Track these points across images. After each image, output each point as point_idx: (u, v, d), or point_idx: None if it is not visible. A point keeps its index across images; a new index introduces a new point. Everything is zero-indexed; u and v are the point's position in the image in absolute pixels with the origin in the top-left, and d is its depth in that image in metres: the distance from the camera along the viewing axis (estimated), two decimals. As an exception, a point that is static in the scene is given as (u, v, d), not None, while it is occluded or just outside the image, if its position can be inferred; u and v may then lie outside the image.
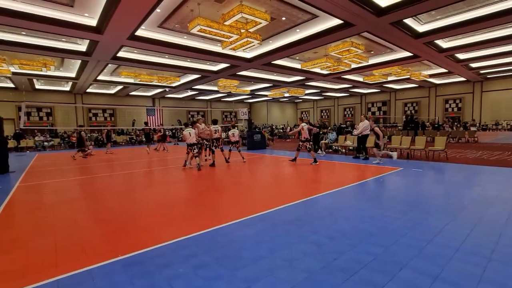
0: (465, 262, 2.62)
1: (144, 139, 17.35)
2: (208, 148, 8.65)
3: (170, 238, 3.20)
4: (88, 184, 6.34)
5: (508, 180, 5.51)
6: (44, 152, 16.09)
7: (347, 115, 34.36)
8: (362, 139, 9.32)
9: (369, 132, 9.26)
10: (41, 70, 13.42)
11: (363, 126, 9.26)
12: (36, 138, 18.52)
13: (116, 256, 2.87)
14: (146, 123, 15.92)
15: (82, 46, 11.96)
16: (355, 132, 9.59)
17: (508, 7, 9.47)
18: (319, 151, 10.98)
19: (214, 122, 8.71)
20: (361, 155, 9.40)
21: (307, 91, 27.75)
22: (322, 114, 37.67)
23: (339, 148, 11.49)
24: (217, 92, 24.91)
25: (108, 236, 3.35)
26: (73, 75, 17.01)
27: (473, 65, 18.01)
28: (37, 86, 20.72)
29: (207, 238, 3.19)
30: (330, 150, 11.93)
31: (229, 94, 27.33)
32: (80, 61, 13.80)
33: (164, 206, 4.44)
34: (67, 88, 21.42)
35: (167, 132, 27.82)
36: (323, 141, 11.44)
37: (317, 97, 34.69)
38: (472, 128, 19.67)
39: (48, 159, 12.01)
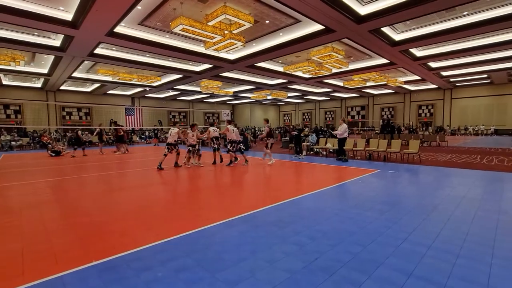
0: (436, 259, 2.73)
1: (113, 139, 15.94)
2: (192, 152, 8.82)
3: (149, 242, 3.10)
4: (61, 186, 6.01)
5: (474, 181, 5.87)
6: (11, 152, 15.06)
7: (327, 118, 35.22)
8: (342, 141, 9.60)
9: (347, 135, 9.60)
10: (9, 65, 12.59)
11: (343, 129, 9.54)
12: (2, 138, 17.27)
13: (90, 261, 2.73)
14: (115, 122, 14.66)
15: (56, 41, 11.36)
16: (334, 132, 10.01)
17: (476, 20, 10.18)
18: (301, 154, 11.15)
19: (212, 124, 9.09)
20: (343, 157, 9.68)
21: (290, 94, 28.12)
22: (304, 117, 38.33)
23: (320, 151, 11.73)
24: (199, 93, 24.65)
25: (81, 240, 3.18)
26: (45, 71, 16.10)
27: (444, 73, 19.14)
28: (4, 82, 19.40)
29: (188, 241, 3.12)
30: (311, 152, 12.13)
31: (212, 95, 27.13)
32: (53, 56, 13.09)
33: (143, 208, 4.30)
34: (39, 85, 20.24)
35: (146, 133, 27.05)
36: (304, 143, 11.64)
37: (299, 100, 35.28)
38: (426, 133, 20.77)
39: (17, 160, 11.26)
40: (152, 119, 28.55)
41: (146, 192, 5.35)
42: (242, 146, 8.85)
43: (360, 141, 10.91)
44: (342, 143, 9.60)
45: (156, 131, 21.70)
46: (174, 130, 8.26)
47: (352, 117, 32.85)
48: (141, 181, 6.42)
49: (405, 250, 2.90)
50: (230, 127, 8.56)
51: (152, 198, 4.91)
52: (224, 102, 35.34)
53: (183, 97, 29.22)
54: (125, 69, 16.15)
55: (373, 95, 30.48)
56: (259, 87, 22.73)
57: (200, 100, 32.31)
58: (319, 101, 35.41)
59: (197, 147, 8.55)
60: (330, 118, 34.69)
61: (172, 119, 31.48)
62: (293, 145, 12.33)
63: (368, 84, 21.84)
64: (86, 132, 15.73)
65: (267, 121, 9.26)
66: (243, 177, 6.83)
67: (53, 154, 12.44)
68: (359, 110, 32.50)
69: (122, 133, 13.48)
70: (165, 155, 8.18)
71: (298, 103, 37.85)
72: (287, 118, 40.14)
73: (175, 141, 8.25)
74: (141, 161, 10.30)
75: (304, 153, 11.59)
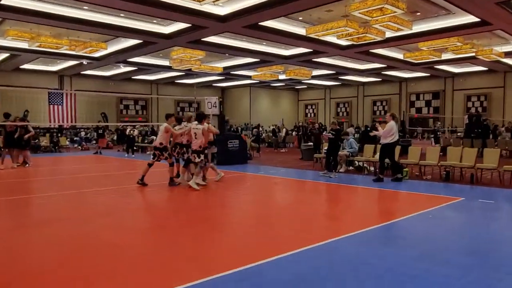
0: None
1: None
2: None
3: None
4: None
5: None
6: None
7: (378, 112, 35.18)
8: (387, 149, 9.64)
9: (396, 139, 9.60)
10: None
11: (388, 129, 9.51)
12: None
13: None
14: (6, 115, 13.98)
15: None
16: (375, 133, 10.05)
17: None
18: (336, 170, 11.09)
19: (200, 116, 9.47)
20: (399, 175, 9.65)
21: (315, 72, 28.02)
22: (339, 109, 38.37)
23: (365, 165, 11.71)
24: (169, 69, 24.67)
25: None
26: None
27: None
28: None
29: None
30: (350, 167, 12.12)
31: (189, 74, 27.16)
32: None
33: (76, 257, 4.31)
34: None
35: (83, 133, 27.16)
36: (342, 153, 11.62)
37: (331, 82, 35.14)
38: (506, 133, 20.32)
39: None
40: (91, 111, 28.76)
41: (81, 230, 5.36)
42: (197, 157, 8.59)
43: (432, 151, 10.86)
44: (387, 152, 9.67)
45: (101, 130, 21.80)
46: (162, 126, 8.89)
47: (419, 110, 32.77)
48: (74, 212, 6.45)
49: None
50: (180, 125, 9.12)
51: (91, 240, 4.91)
52: (208, 85, 35.32)
53: (143, 76, 29.39)
54: (49, 30, 16.34)
55: (453, 75, 30.49)
56: (265, 60, 22.74)
57: (170, 81, 32.21)
58: (363, 83, 35.48)
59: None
60: (382, 112, 34.64)
61: (125, 111, 31.66)
62: (323, 154, 12.30)
63: (444, 57, 21.87)
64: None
65: (203, 116, 9.11)
66: (242, 207, 6.84)
67: None
68: (430, 99, 32.46)
69: (22, 132, 13.18)
70: (150, 164, 8.87)
71: (330, 87, 37.89)
72: (311, 111, 40.17)
73: (160, 143, 8.86)
74: (76, 179, 10.35)
75: (342, 168, 11.56)
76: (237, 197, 7.95)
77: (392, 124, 9.70)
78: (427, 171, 10.98)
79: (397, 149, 10.41)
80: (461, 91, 30.94)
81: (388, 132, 9.63)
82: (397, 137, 9.79)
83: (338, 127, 11.07)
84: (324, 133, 12.76)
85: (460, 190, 8.38)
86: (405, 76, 31.40)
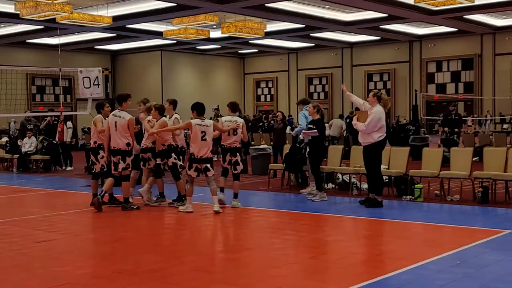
0: None
1: None
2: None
3: None
4: None
5: None
6: None
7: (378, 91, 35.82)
8: (372, 153, 9.93)
9: (384, 135, 9.91)
10: None
11: (374, 118, 9.71)
12: None
13: None
14: None
15: None
16: (357, 126, 10.09)
17: None
18: (313, 189, 11.14)
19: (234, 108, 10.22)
20: (378, 198, 9.96)
21: (272, 27, 29.01)
22: (313, 88, 39.42)
23: (355, 181, 11.83)
24: (15, 18, 24.76)
25: None
26: None
27: None
28: None
29: None
30: (331, 184, 12.38)
31: (51, 27, 27.34)
32: None
33: None
34: None
35: None
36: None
37: (299, 42, 36.28)
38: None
39: None
40: None
41: None
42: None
43: (460, 155, 11.23)
44: (372, 158, 9.95)
45: None
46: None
47: (441, 88, 33.80)
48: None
49: None
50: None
51: None
52: (87, 48, 34.86)
53: None
54: None
55: (494, 30, 31.76)
56: (186, 5, 22.95)
57: (17, 42, 31.91)
58: (351, 45, 36.58)
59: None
60: (384, 90, 35.52)
61: None
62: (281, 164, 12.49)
63: (479, 0, 22.61)
64: None
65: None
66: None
67: None
68: (459, 71, 33.70)
69: None
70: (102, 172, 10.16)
71: (296, 51, 39.01)
72: (266, 91, 40.62)
73: (127, 144, 9.63)
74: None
75: (313, 188, 11.65)
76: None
77: (379, 110, 9.78)
78: (453, 187, 11.15)
79: (402, 152, 10.91)
80: (508, 55, 32.33)
81: (375, 124, 9.65)
82: (383, 134, 9.87)
83: (319, 116, 11.15)
84: (302, 129, 12.43)
85: (505, 218, 8.67)
86: (419, 33, 32.50)
